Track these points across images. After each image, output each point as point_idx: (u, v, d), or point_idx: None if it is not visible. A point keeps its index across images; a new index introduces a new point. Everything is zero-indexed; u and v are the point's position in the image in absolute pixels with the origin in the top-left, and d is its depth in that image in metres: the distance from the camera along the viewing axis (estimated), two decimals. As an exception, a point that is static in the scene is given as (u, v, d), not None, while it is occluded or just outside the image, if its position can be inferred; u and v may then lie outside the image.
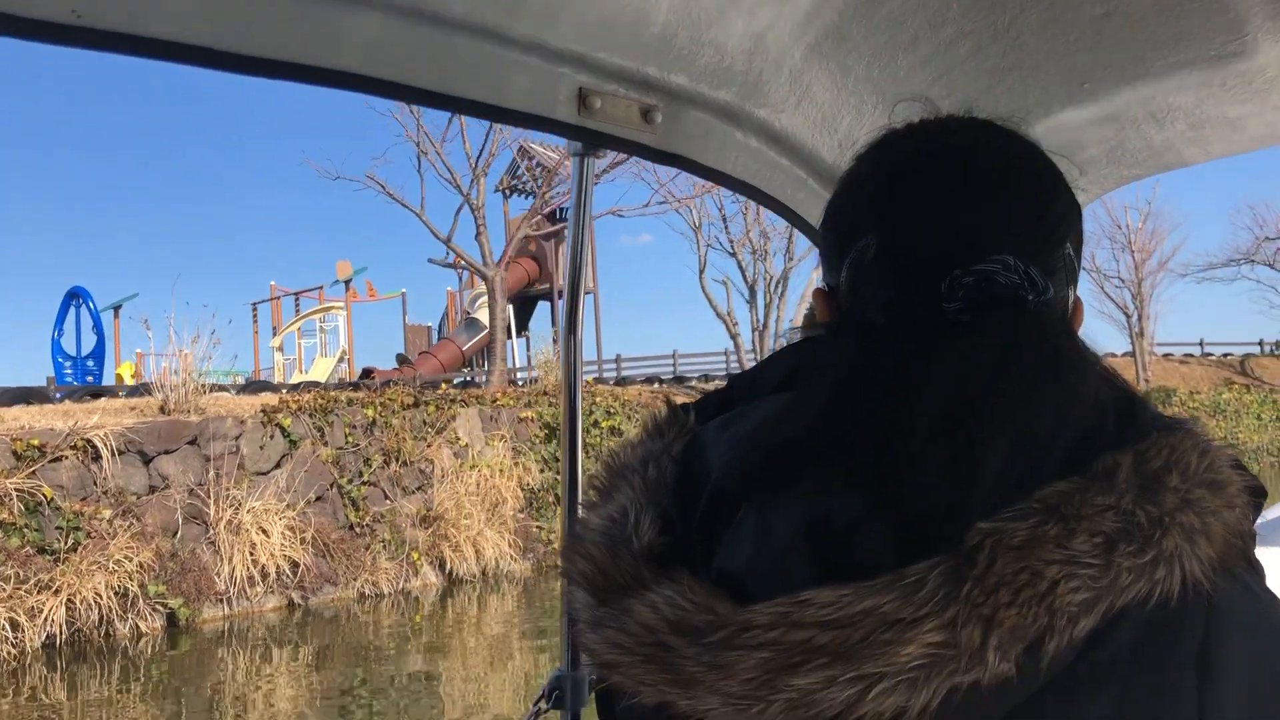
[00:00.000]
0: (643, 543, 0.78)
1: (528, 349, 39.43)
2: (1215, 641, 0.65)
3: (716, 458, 0.80)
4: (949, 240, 0.78)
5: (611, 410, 17.86)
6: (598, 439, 17.28)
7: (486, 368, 28.11)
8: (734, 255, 26.12)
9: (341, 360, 30.19)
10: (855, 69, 1.46)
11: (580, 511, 0.88)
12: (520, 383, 24.80)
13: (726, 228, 26.19)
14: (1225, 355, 38.72)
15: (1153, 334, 35.53)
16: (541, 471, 16.44)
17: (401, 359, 32.61)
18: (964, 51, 1.44)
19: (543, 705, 1.64)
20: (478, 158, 20.26)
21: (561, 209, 35.29)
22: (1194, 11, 1.33)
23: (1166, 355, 37.25)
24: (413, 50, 1.12)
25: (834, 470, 0.71)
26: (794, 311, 26.72)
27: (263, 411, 14.13)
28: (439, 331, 34.69)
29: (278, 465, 13.91)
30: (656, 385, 28.76)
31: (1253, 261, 39.44)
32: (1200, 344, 39.59)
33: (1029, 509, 0.65)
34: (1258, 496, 0.73)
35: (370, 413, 15.13)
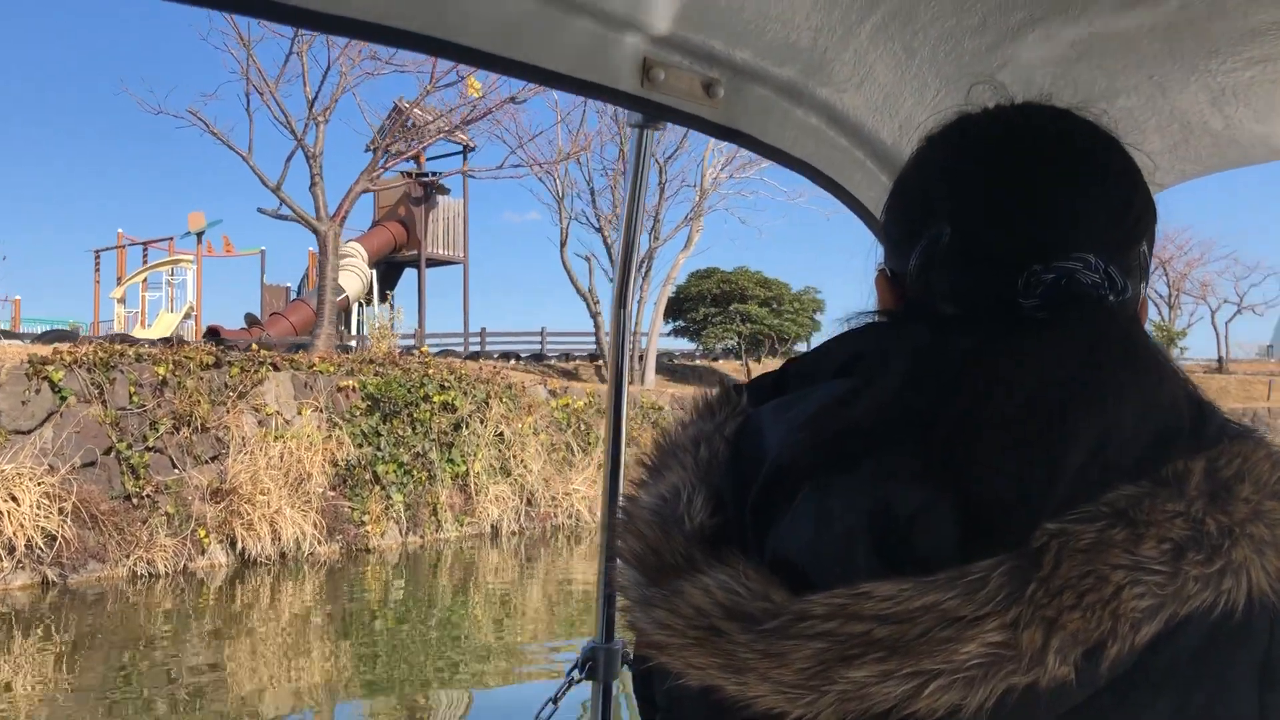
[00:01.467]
0: (695, 524, 0.77)
1: (391, 318, 38.02)
2: (1278, 652, 0.65)
3: (774, 440, 0.78)
4: (1029, 233, 0.77)
5: (446, 384, 16.66)
6: (426, 414, 16.08)
7: (352, 333, 27.04)
8: (600, 231, 25.04)
9: (188, 317, 28.36)
10: (920, 51, 1.45)
11: (627, 488, 0.86)
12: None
13: (594, 202, 25.08)
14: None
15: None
16: (360, 446, 15.14)
17: (251, 319, 30.98)
18: (1032, 38, 1.42)
19: (576, 675, 1.69)
20: (313, 102, 18.66)
21: (434, 172, 34.11)
22: (1270, 6, 1.31)
23: (791, 357, 37.71)
24: (474, 9, 1.10)
25: (901, 459, 0.70)
26: (658, 293, 25.83)
27: (28, 362, 12.47)
28: (298, 293, 32.93)
29: (43, 423, 12.31)
30: (513, 361, 27.71)
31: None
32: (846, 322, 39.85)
33: (1097, 511, 0.64)
34: None
35: (161, 370, 13.54)
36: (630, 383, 24.23)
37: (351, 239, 34.16)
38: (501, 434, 17.03)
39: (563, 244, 25.01)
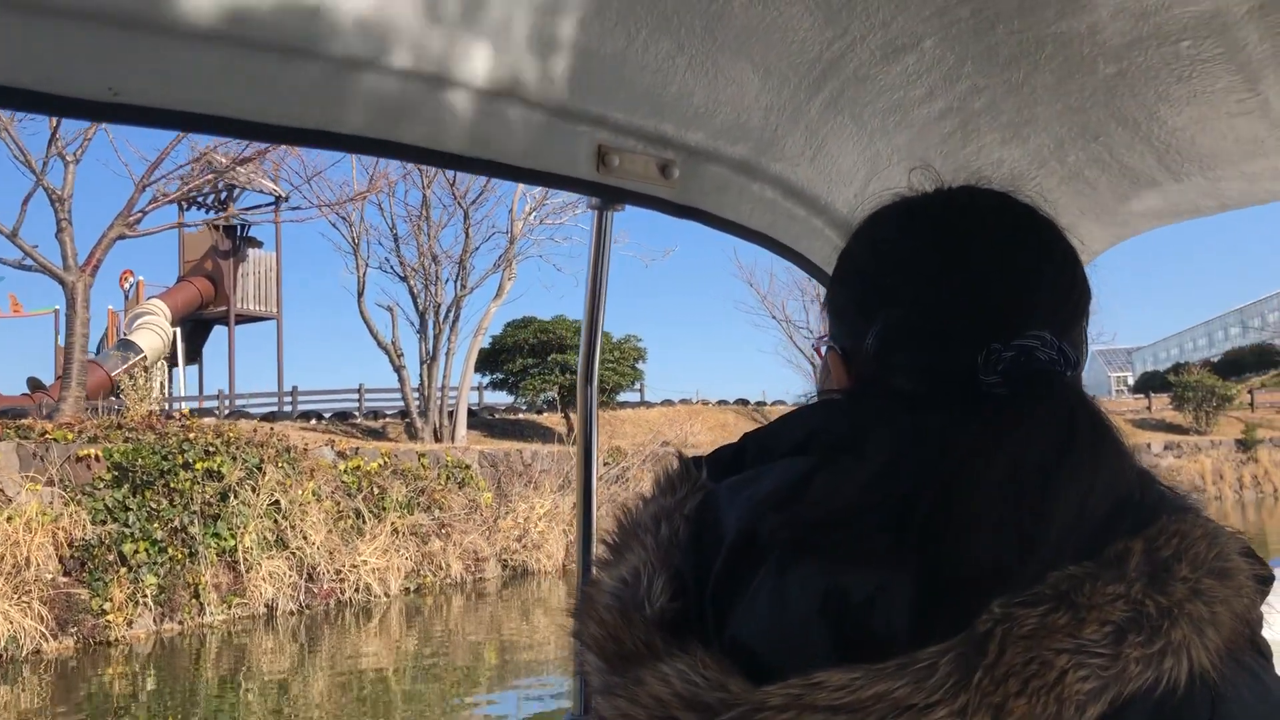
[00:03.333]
0: (655, 609, 0.77)
1: (200, 378, 35.75)
2: None
3: (731, 520, 0.79)
4: (987, 312, 0.80)
5: (212, 449, 14.95)
6: (187, 483, 14.33)
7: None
8: (405, 280, 23.67)
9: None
10: (871, 122, 1.49)
11: (593, 570, 0.87)
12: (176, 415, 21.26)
13: (398, 249, 23.69)
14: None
15: (839, 385, 36.09)
16: (101, 523, 13.30)
17: (34, 384, 28.58)
18: (979, 106, 1.47)
19: None
20: (50, 139, 16.73)
21: (242, 225, 32.28)
22: (1206, 72, 1.37)
23: (750, 431, 37.96)
24: (436, 115, 1.14)
25: (860, 541, 0.71)
26: (468, 344, 24.56)
27: None
28: (97, 352, 30.40)
29: None
30: (314, 421, 25.92)
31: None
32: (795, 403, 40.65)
33: (1041, 594, 0.66)
34: (1265, 584, 0.73)
35: None
36: (439, 440, 22.91)
37: (153, 295, 32.12)
38: (277, 503, 15.38)
39: (360, 293, 23.50)
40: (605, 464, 22.32)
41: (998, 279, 0.82)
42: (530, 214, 23.88)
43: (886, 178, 1.60)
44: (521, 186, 23.57)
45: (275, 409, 29.42)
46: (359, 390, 30.24)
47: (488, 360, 26.99)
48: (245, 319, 33.24)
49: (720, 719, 0.66)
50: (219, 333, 34.47)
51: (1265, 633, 0.74)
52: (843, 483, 0.74)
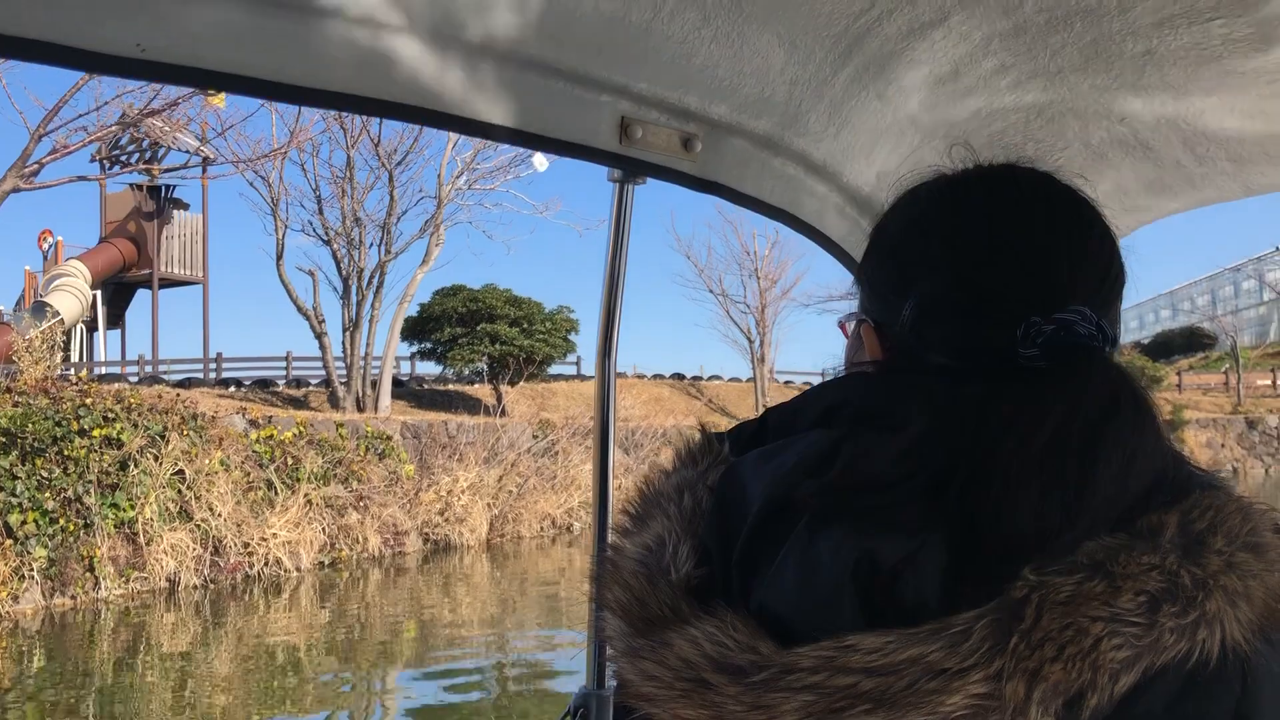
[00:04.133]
0: (680, 574, 0.78)
1: (122, 343, 34.61)
2: (1250, 704, 0.66)
3: (756, 490, 0.79)
4: (1027, 285, 0.80)
5: (111, 415, 14.19)
6: (83, 451, 13.58)
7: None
8: (329, 244, 22.85)
9: None
10: (895, 100, 1.47)
11: (611, 536, 0.88)
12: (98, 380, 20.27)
13: (321, 211, 22.86)
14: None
15: (774, 360, 36.26)
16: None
17: (-66, 346, 27.28)
18: (1004, 85, 1.45)
19: None
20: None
21: (169, 186, 31.11)
22: (1235, 53, 1.34)
23: (788, 383, 38.51)
24: (459, 80, 1.14)
25: (889, 508, 0.71)
26: (392, 311, 23.84)
27: None
28: (13, 316, 29.19)
29: None
30: (234, 389, 25.09)
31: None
32: (822, 374, 40.72)
33: (1076, 563, 0.66)
34: None
35: None
36: (361, 410, 22.25)
37: (72, 256, 30.91)
38: (182, 473, 14.67)
39: (279, 256, 22.65)
40: (534, 437, 21.86)
41: (1038, 255, 0.81)
42: (459, 177, 23.17)
43: (910, 156, 1.58)
44: (450, 149, 22.93)
45: (200, 375, 28.63)
46: (287, 358, 29.45)
47: (415, 329, 26.32)
48: (170, 283, 32.25)
49: (751, 680, 0.67)
50: (142, 297, 33.44)
51: None
52: (877, 451, 0.74)
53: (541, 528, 20.63)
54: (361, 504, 17.31)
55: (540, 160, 21.97)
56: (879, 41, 1.33)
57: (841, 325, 0.97)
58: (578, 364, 35.25)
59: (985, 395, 0.74)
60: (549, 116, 1.24)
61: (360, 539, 17.05)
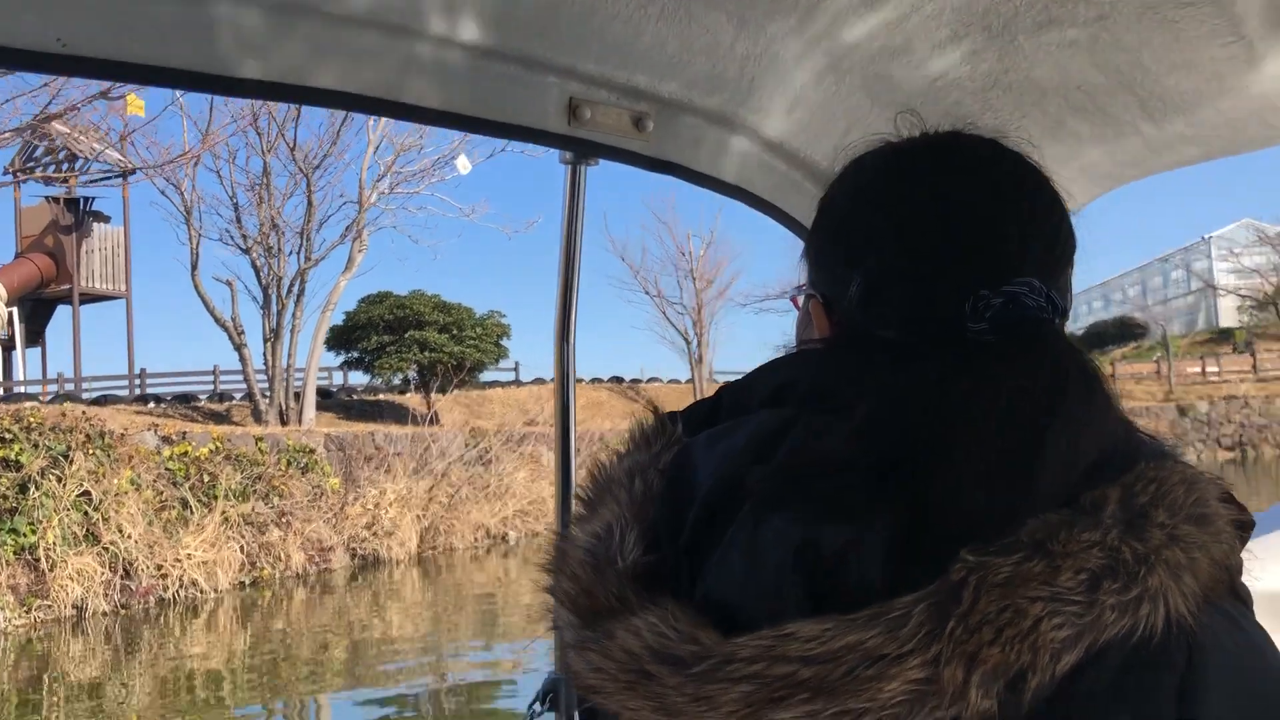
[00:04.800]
0: (627, 562, 0.77)
1: (43, 361, 33.47)
2: (1197, 675, 0.65)
3: (706, 473, 0.78)
4: (976, 258, 0.79)
5: (8, 435, 13.47)
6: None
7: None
8: (247, 252, 22.12)
9: None
10: (849, 73, 1.47)
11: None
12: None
13: (238, 219, 22.12)
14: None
15: (712, 361, 35.99)
16: None
17: None
18: (959, 56, 1.45)
19: (537, 708, 1.66)
20: None
21: (85, 199, 30.12)
22: (1190, 16, 1.34)
23: (727, 383, 37.73)
24: (401, 66, 1.13)
25: (835, 491, 0.70)
26: (315, 320, 23.14)
27: None
28: (-80, 334, 28.00)
29: None
30: (153, 405, 24.29)
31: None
32: None
33: (1017, 543, 0.65)
34: (1245, 530, 0.73)
35: None
36: (285, 423, 21.57)
37: (-13, 273, 29.85)
38: (88, 493, 13.98)
39: (194, 267, 21.85)
40: (466, 445, 21.37)
41: (985, 225, 0.80)
42: (380, 180, 22.57)
43: (866, 130, 1.55)
44: (371, 152, 22.36)
45: (124, 392, 27.79)
46: (214, 372, 28.69)
47: (341, 338, 25.71)
48: (91, 298, 31.23)
49: (691, 671, 0.66)
50: (63, 313, 32.34)
51: (1246, 580, 0.74)
52: (825, 434, 0.73)
53: (475, 538, 20.14)
54: (284, 520, 16.70)
55: (464, 163, 21.51)
56: (829, 15, 1.31)
57: (792, 299, 0.95)
58: (515, 370, 34.82)
59: (935, 372, 0.72)
60: (496, 101, 1.22)
61: (283, 556, 16.43)
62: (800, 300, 0.93)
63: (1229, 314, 47.47)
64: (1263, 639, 0.70)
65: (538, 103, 1.26)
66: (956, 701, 0.62)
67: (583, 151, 1.41)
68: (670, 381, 37.98)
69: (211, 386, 28.34)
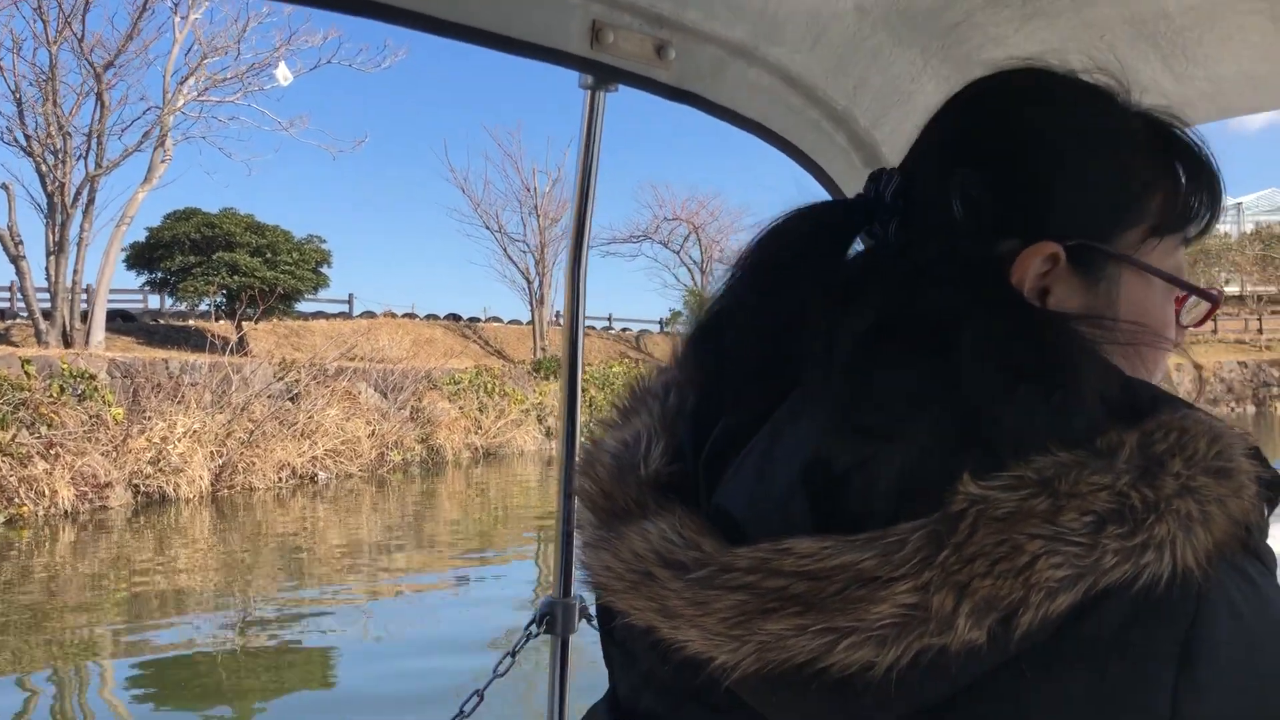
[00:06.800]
0: (650, 470, 0.80)
1: None
2: (1202, 631, 0.64)
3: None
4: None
5: None
6: None
7: None
8: (31, 156, 19.87)
9: None
10: (874, 11, 1.48)
11: (597, 431, 0.89)
12: None
13: (21, 117, 19.80)
14: (624, 330, 40.00)
15: (554, 302, 34.87)
16: None
17: None
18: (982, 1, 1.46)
19: (534, 630, 1.73)
20: None
21: None
22: None
23: None
24: None
25: (864, 413, 0.71)
26: (109, 234, 21.02)
27: None
28: None
29: None
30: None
31: (651, 239, 40.81)
32: (609, 318, 40.57)
33: (1024, 478, 0.65)
34: (1272, 489, 0.71)
35: None
36: (69, 345, 19.61)
37: None
38: None
39: (-38, 165, 19.55)
40: (276, 378, 19.88)
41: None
42: (185, 82, 20.54)
43: (885, 71, 1.60)
44: (175, 50, 20.33)
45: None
46: (11, 288, 26.14)
47: (143, 257, 23.69)
48: None
49: (690, 576, 0.68)
50: None
51: (1273, 544, 0.71)
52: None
53: (280, 478, 18.80)
54: (52, 452, 15.04)
55: (284, 72, 19.85)
56: None
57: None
58: (349, 302, 33.09)
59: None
60: (519, 19, 1.21)
61: (47, 492, 14.81)
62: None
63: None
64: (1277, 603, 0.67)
65: (561, 23, 1.25)
66: (944, 630, 0.62)
67: (603, 76, 1.42)
68: (511, 322, 36.91)
69: (7, 303, 25.80)
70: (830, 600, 0.63)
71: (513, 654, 1.91)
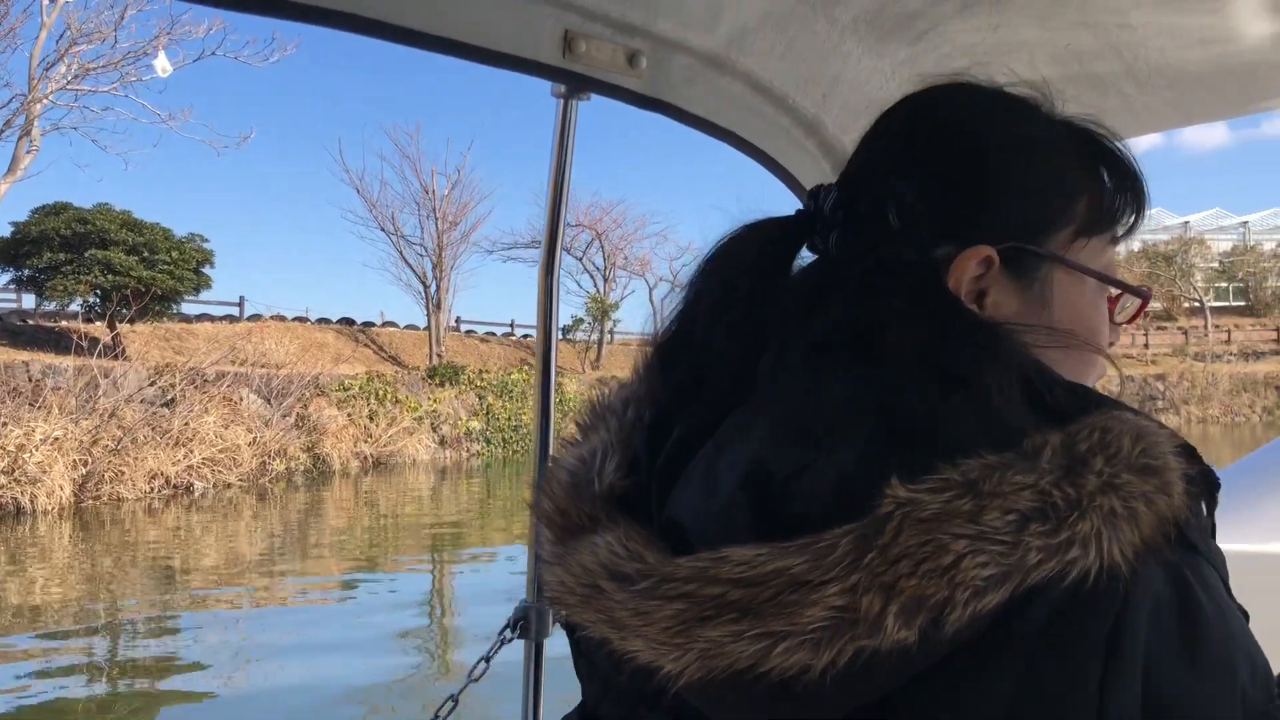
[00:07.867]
0: (604, 485, 0.82)
1: None
2: (1128, 624, 0.65)
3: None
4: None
5: None
6: None
7: None
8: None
9: None
10: (842, 20, 1.50)
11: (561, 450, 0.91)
12: None
13: None
14: (525, 337, 39.15)
15: (451, 307, 34.22)
16: None
17: None
18: (950, 9, 1.49)
19: (508, 634, 1.74)
20: None
21: None
22: None
23: (469, 332, 37.35)
24: None
25: (806, 418, 0.74)
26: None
27: None
28: None
29: None
30: None
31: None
32: (511, 324, 40.03)
33: (950, 480, 0.66)
34: (1199, 484, 0.71)
35: None
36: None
37: None
38: None
39: None
40: (149, 382, 18.87)
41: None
42: (51, 68, 19.42)
43: (854, 79, 1.63)
44: (43, 34, 19.20)
45: None
46: None
47: (8, 254, 22.31)
48: None
49: (634, 588, 0.70)
50: None
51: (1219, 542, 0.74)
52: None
53: (152, 488, 17.85)
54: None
55: (163, 63, 18.86)
56: None
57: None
58: (240, 305, 31.83)
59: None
60: (490, 29, 1.22)
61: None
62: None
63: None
64: (1212, 599, 0.68)
65: (532, 33, 1.26)
66: (874, 631, 0.63)
67: (575, 85, 1.41)
68: (408, 327, 36.01)
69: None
70: (765, 605, 0.64)
71: (487, 659, 1.90)
